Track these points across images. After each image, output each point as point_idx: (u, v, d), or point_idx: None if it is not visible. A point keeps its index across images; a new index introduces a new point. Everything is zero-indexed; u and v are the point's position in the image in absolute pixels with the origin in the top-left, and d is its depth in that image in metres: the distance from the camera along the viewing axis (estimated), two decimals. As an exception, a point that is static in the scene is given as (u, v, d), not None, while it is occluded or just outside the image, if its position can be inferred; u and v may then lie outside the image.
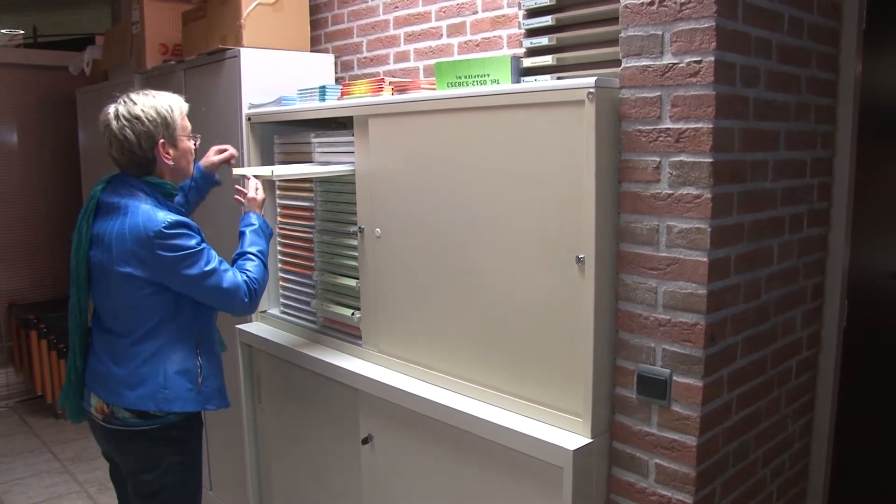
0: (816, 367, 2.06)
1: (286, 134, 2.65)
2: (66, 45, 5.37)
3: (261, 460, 2.81)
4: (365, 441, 2.20)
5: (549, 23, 1.90)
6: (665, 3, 1.53)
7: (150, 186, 1.95)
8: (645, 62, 1.58)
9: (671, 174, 1.56)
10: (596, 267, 1.61)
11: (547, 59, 1.89)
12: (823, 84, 1.90)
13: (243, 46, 2.74)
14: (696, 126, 1.51)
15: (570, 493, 1.63)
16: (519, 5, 2.25)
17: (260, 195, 2.22)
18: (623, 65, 1.62)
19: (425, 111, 1.95)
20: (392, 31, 2.79)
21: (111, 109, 1.93)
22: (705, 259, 1.53)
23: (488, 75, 1.90)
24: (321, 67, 3.00)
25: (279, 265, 2.70)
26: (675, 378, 1.60)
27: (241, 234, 2.12)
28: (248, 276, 1.98)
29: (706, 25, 1.47)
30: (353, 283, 2.32)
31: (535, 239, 1.71)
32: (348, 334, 2.38)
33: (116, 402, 1.94)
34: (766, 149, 1.69)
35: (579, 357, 1.66)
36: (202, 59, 2.92)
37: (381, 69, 2.87)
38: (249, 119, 2.67)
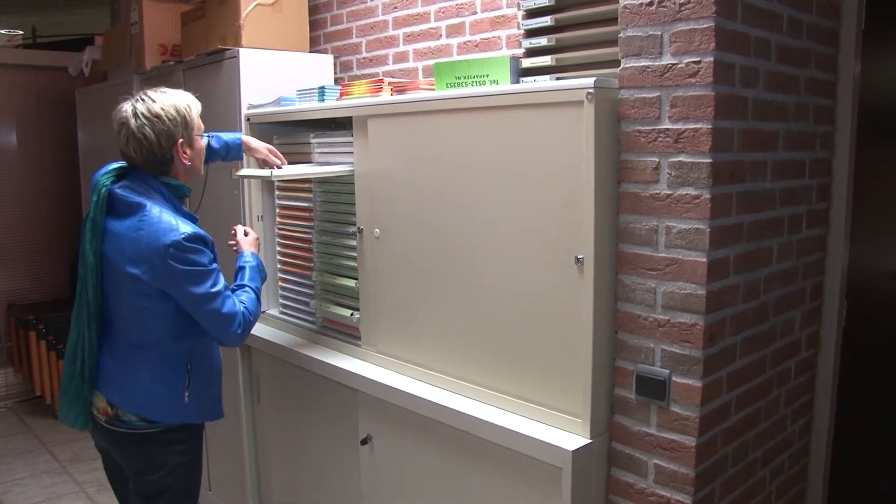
0: (816, 367, 2.06)
1: (285, 134, 2.64)
2: (66, 45, 5.37)
3: (260, 461, 2.81)
4: (364, 441, 2.20)
5: (549, 23, 1.90)
6: (664, 4, 1.53)
7: (168, 188, 1.93)
8: (644, 62, 1.58)
9: (670, 174, 1.56)
10: (595, 267, 1.61)
11: (546, 60, 1.89)
12: (822, 84, 1.90)
13: (242, 47, 2.74)
14: (695, 126, 1.51)
15: (569, 493, 1.63)
16: (518, 6, 2.25)
17: (250, 236, 2.21)
18: (622, 65, 1.62)
19: (424, 112, 1.95)
20: (391, 32, 2.79)
21: (128, 107, 1.88)
22: (704, 259, 1.53)
23: (487, 76, 1.90)
24: (320, 68, 3.00)
25: (278, 266, 2.70)
26: (674, 378, 1.60)
27: (241, 268, 2.09)
28: (245, 308, 1.95)
29: (705, 26, 1.47)
30: (352, 283, 2.32)
31: (534, 239, 1.71)
32: (347, 335, 2.38)
33: (115, 400, 1.93)
34: (765, 149, 1.69)
35: (578, 357, 1.66)
36: (201, 59, 2.92)
37: (380, 70, 2.87)
38: (248, 119, 2.67)
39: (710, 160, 1.50)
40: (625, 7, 1.60)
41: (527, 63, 1.93)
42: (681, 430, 1.60)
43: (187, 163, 1.94)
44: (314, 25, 3.13)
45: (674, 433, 1.62)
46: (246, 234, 2.23)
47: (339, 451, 2.36)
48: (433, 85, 2.07)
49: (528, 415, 1.78)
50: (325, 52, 3.11)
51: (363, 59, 2.95)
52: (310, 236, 2.51)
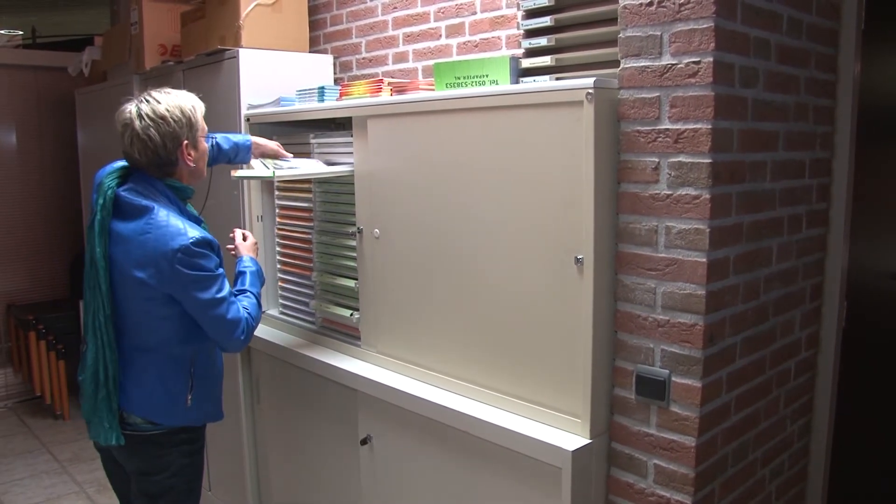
0: (815, 367, 2.06)
1: (285, 135, 2.64)
2: (65, 45, 5.37)
3: (260, 461, 2.81)
4: (364, 442, 2.20)
5: (548, 23, 1.90)
6: (664, 4, 1.53)
7: (173, 191, 1.92)
8: (644, 63, 1.58)
9: (670, 175, 1.56)
10: (595, 267, 1.60)
11: (546, 60, 1.89)
12: (822, 85, 1.90)
13: (242, 47, 2.74)
14: (694, 126, 1.51)
15: (568, 493, 1.63)
16: (518, 6, 2.25)
17: (249, 241, 2.21)
18: (622, 65, 1.62)
19: (424, 112, 1.95)
20: (391, 32, 2.79)
21: (132, 108, 1.85)
22: (704, 260, 1.53)
23: (487, 76, 1.90)
24: (320, 68, 3.00)
25: (278, 266, 2.70)
26: (673, 379, 1.60)
27: (241, 273, 2.09)
28: (248, 314, 1.95)
29: (705, 26, 1.47)
30: (351, 283, 2.32)
31: (534, 239, 1.71)
32: (347, 335, 2.38)
33: (121, 401, 1.92)
34: (764, 149, 1.69)
35: (578, 358, 1.66)
36: (201, 59, 2.92)
37: (379, 70, 2.87)
38: (248, 120, 2.67)
39: (709, 160, 1.50)
40: (624, 7, 1.60)
41: (526, 63, 1.93)
42: (681, 431, 1.60)
43: (192, 164, 1.93)
44: (314, 25, 3.13)
45: (674, 433, 1.62)
46: (245, 237, 2.23)
47: (338, 451, 2.36)
48: (433, 85, 2.07)
49: (527, 415, 1.78)
50: (324, 52, 3.11)
51: (363, 59, 2.95)
52: (309, 236, 2.51)
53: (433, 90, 2.05)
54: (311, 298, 2.53)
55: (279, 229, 2.68)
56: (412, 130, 2.00)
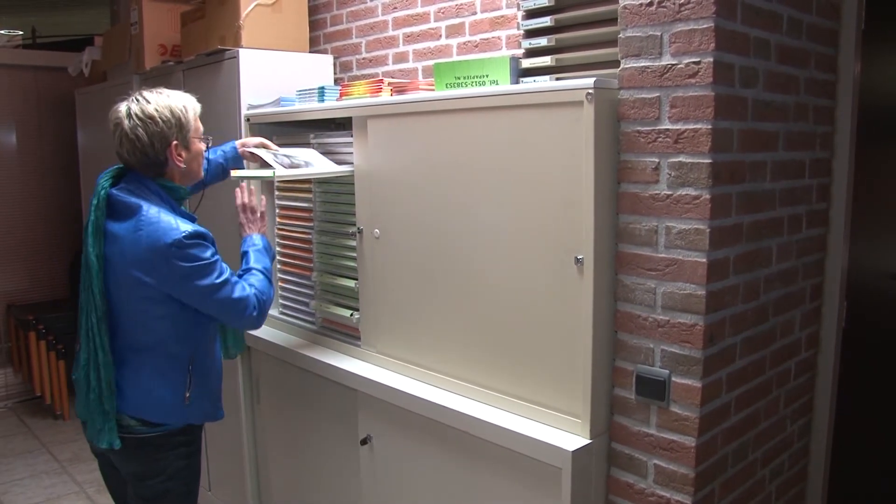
0: (815, 367, 2.06)
1: (285, 135, 2.64)
2: (65, 45, 5.37)
3: (259, 461, 2.81)
4: (364, 442, 2.20)
5: (548, 24, 1.90)
6: (664, 4, 1.53)
7: (165, 190, 1.92)
8: (644, 63, 1.58)
9: (670, 175, 1.56)
10: (595, 268, 1.60)
11: (546, 60, 1.89)
12: (822, 85, 1.90)
13: (242, 47, 2.74)
14: (694, 127, 1.51)
15: (568, 493, 1.63)
16: (518, 6, 2.25)
17: (256, 214, 2.17)
18: (622, 66, 1.62)
19: (424, 112, 1.95)
20: (391, 32, 2.79)
21: (123, 107, 1.87)
22: (704, 260, 1.53)
23: (487, 76, 1.90)
24: (320, 68, 3.00)
25: (278, 266, 2.70)
26: (673, 379, 1.60)
27: (245, 253, 2.08)
28: (256, 290, 1.95)
29: (705, 26, 1.47)
30: (352, 283, 2.32)
31: (534, 239, 1.71)
32: (347, 335, 2.38)
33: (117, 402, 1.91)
34: (764, 149, 1.69)
35: (578, 358, 1.66)
36: (201, 59, 2.92)
37: (379, 70, 2.87)
38: (248, 120, 2.67)
39: (709, 160, 1.50)
40: (624, 7, 1.60)
41: (526, 63, 1.93)
42: (681, 431, 1.60)
43: (182, 165, 1.92)
44: (314, 26, 3.13)
45: (673, 433, 1.62)
46: (253, 211, 2.18)
47: (338, 451, 2.36)
48: (433, 85, 2.07)
49: (527, 415, 1.78)
50: (324, 52, 3.11)
51: (363, 59, 2.95)
52: (310, 237, 2.51)
53: (433, 90, 2.05)
54: (311, 298, 2.53)
55: (279, 229, 2.68)
56: (412, 130, 2.00)
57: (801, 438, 2.05)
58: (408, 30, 2.72)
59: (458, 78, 1.95)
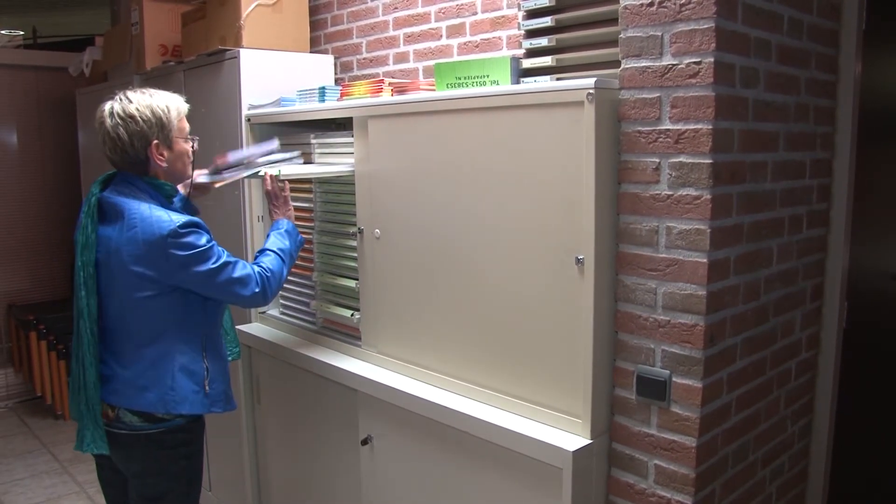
0: (816, 368, 2.06)
1: (286, 135, 2.64)
2: (66, 46, 5.38)
3: (260, 461, 2.81)
4: (364, 442, 2.20)
5: (549, 24, 1.90)
6: (665, 4, 1.53)
7: (153, 188, 1.94)
8: (644, 63, 1.58)
9: (671, 175, 1.56)
10: (595, 268, 1.60)
11: (546, 60, 1.89)
12: (823, 85, 1.90)
13: (243, 47, 2.74)
14: (695, 127, 1.51)
15: (569, 494, 1.63)
16: (518, 6, 2.25)
17: (281, 200, 2.20)
18: (622, 66, 1.62)
19: (425, 112, 1.95)
20: (391, 32, 2.80)
21: (107, 107, 1.90)
22: (705, 260, 1.53)
23: (488, 76, 1.90)
24: (321, 68, 3.00)
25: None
26: (674, 379, 1.60)
27: (267, 236, 2.14)
28: (262, 268, 1.99)
29: (706, 26, 1.47)
30: (352, 283, 2.32)
31: (535, 240, 1.71)
32: (348, 335, 2.38)
33: (124, 403, 1.92)
34: (765, 150, 1.69)
35: (579, 358, 1.66)
36: (202, 59, 2.92)
37: (380, 70, 2.87)
38: (249, 120, 2.67)
39: (710, 161, 1.50)
40: (625, 8, 1.60)
41: (527, 63, 1.93)
42: (681, 431, 1.60)
43: (163, 164, 1.94)
44: (314, 26, 3.13)
45: (674, 434, 1.62)
46: (276, 197, 2.19)
47: (339, 451, 2.36)
48: (433, 85, 2.07)
49: (528, 415, 1.78)
50: (325, 52, 3.11)
51: (364, 59, 2.95)
52: (310, 237, 2.51)
53: (434, 90, 2.05)
54: (312, 298, 2.53)
55: (280, 229, 2.68)
56: (413, 131, 2.00)
57: (801, 439, 2.04)
58: (408, 30, 2.72)
59: (459, 78, 1.95)
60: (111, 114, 1.89)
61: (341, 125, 2.49)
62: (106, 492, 2.15)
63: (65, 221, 5.00)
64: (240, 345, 2.41)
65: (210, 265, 1.88)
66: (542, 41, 1.91)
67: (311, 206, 2.50)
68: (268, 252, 2.07)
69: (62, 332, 4.44)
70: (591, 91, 1.55)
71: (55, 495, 3.56)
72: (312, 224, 2.50)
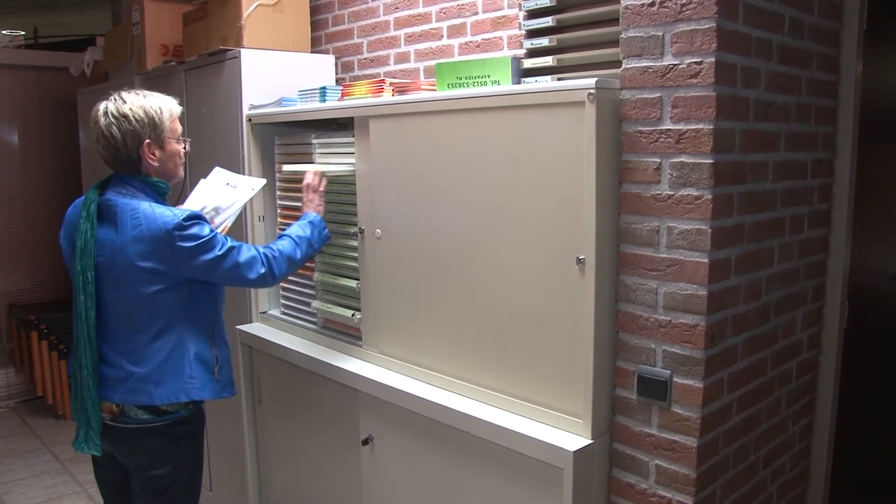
0: (817, 368, 2.06)
1: (287, 135, 2.65)
2: (67, 46, 5.37)
3: (261, 461, 2.81)
4: (365, 442, 2.20)
5: (550, 24, 1.90)
6: (666, 4, 1.53)
7: (148, 186, 1.98)
8: (645, 63, 1.58)
9: (672, 175, 1.56)
10: (596, 268, 1.60)
11: (547, 60, 1.89)
12: (824, 85, 1.90)
13: (244, 47, 2.74)
14: (696, 127, 1.51)
15: (570, 494, 1.63)
16: (519, 6, 2.25)
17: (311, 193, 2.29)
18: (623, 66, 1.62)
19: (426, 112, 1.95)
20: (392, 32, 2.80)
21: (101, 106, 1.95)
22: (706, 260, 1.53)
23: (489, 76, 1.90)
24: (322, 68, 3.00)
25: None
26: (675, 379, 1.60)
27: (291, 225, 2.21)
28: (269, 249, 2.06)
29: (707, 26, 1.47)
30: (353, 283, 2.32)
31: (536, 240, 1.71)
32: (349, 335, 2.38)
33: (143, 401, 1.94)
34: (766, 150, 1.69)
35: (579, 358, 1.66)
36: (203, 59, 2.92)
37: (381, 70, 2.87)
38: (250, 120, 2.67)
39: (711, 161, 1.50)
40: (626, 8, 1.60)
41: (528, 64, 1.93)
42: (682, 431, 1.60)
43: (155, 164, 1.98)
44: (315, 26, 3.13)
45: (675, 434, 1.62)
46: (314, 190, 2.30)
47: (340, 451, 2.36)
48: (434, 85, 2.07)
49: (529, 415, 1.78)
50: (326, 52, 3.11)
51: (364, 59, 2.95)
52: (311, 237, 2.51)
53: (435, 90, 2.05)
54: (313, 298, 2.53)
55: (281, 229, 2.68)
56: (414, 131, 2.00)
57: (802, 439, 2.04)
58: (409, 30, 2.72)
59: (460, 78, 1.95)
60: (105, 113, 1.93)
61: (342, 125, 2.49)
62: (104, 491, 2.16)
63: (66, 221, 5.00)
64: None
65: (216, 252, 1.93)
66: (543, 41, 1.91)
67: (312, 206, 2.50)
68: (284, 236, 2.14)
69: (63, 332, 4.44)
70: (592, 91, 1.55)
71: (56, 495, 3.56)
72: (313, 224, 2.50)
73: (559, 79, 1.88)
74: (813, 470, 2.11)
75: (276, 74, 2.80)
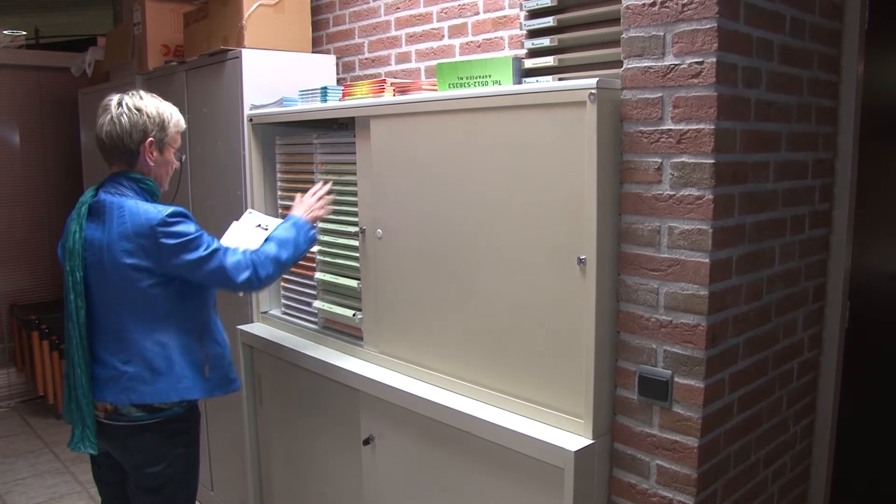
0: (818, 368, 2.06)
1: (288, 135, 2.65)
2: (68, 46, 5.37)
3: (262, 461, 2.81)
4: (366, 442, 2.20)
5: (551, 24, 1.90)
6: (667, 4, 1.53)
7: (137, 183, 1.99)
8: (646, 63, 1.58)
9: (672, 175, 1.56)
10: (597, 268, 1.60)
11: (548, 60, 1.89)
12: (825, 85, 1.90)
13: (245, 47, 2.74)
14: (697, 127, 1.51)
15: (570, 494, 1.63)
16: (520, 6, 2.25)
17: (308, 201, 2.26)
18: (624, 66, 1.62)
19: (427, 112, 1.95)
20: (394, 32, 2.80)
21: (116, 97, 1.99)
22: (707, 260, 1.53)
23: (490, 76, 1.90)
24: (323, 68, 3.00)
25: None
26: (676, 379, 1.60)
27: (279, 225, 2.19)
28: (255, 253, 2.03)
29: (708, 26, 1.47)
30: (354, 283, 2.32)
31: (536, 240, 1.71)
32: (349, 335, 2.38)
33: (135, 399, 1.95)
34: (767, 150, 1.69)
35: (580, 358, 1.66)
36: (204, 59, 2.92)
37: (382, 70, 2.87)
38: (251, 120, 2.67)
39: (712, 161, 1.50)
40: (627, 7, 1.60)
41: (529, 64, 1.93)
42: (683, 431, 1.60)
43: (151, 163, 2.01)
44: (316, 26, 3.13)
45: (676, 434, 1.62)
46: (311, 193, 2.30)
47: (340, 451, 2.36)
48: (435, 85, 2.07)
49: (530, 415, 1.78)
50: (327, 52, 3.11)
51: (365, 59, 2.95)
52: (312, 237, 2.51)
53: (436, 90, 2.05)
54: (314, 298, 2.53)
55: (281, 229, 2.68)
56: (415, 131, 2.00)
57: (803, 439, 2.04)
58: (410, 30, 2.72)
59: (461, 78, 1.95)
60: (119, 103, 1.97)
61: (343, 125, 2.50)
62: (102, 490, 2.18)
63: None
64: None
65: (201, 252, 1.93)
66: (544, 41, 1.91)
67: (313, 206, 2.50)
68: (269, 240, 2.12)
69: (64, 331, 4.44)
70: (593, 91, 1.55)
71: (57, 495, 3.57)
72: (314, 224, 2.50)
73: (560, 79, 1.88)
74: (814, 470, 2.10)
75: (277, 74, 2.80)
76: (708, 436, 1.61)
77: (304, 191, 2.55)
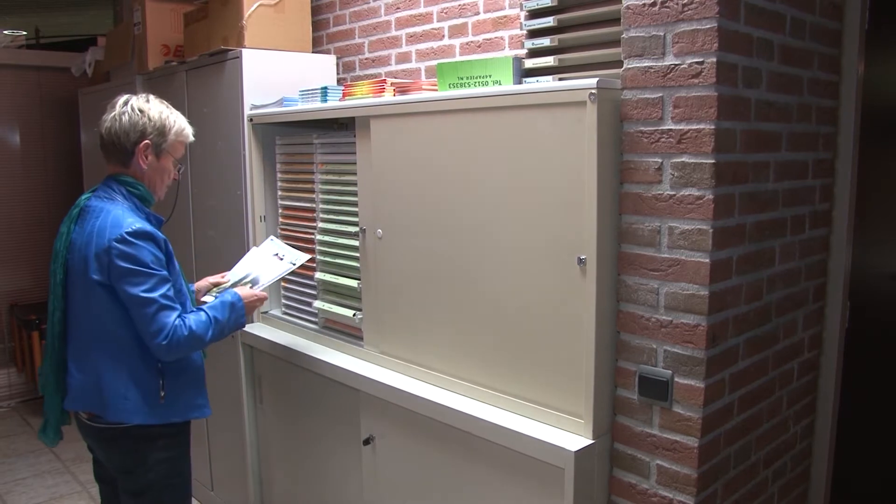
0: (818, 368, 2.06)
1: (288, 135, 2.65)
2: (68, 46, 5.37)
3: (262, 461, 2.81)
4: (366, 442, 2.20)
5: (551, 24, 1.90)
6: (667, 4, 1.53)
7: (128, 188, 1.95)
8: (647, 63, 1.58)
9: (673, 175, 1.56)
10: (597, 268, 1.60)
11: (549, 60, 1.89)
12: (825, 85, 1.90)
13: (245, 47, 2.74)
14: (697, 127, 1.51)
15: (571, 494, 1.63)
16: (521, 6, 2.25)
17: (249, 290, 2.17)
18: (625, 66, 1.62)
19: (427, 112, 1.95)
20: (394, 32, 2.80)
21: (125, 97, 2.00)
22: (707, 260, 1.53)
23: (490, 76, 1.90)
24: (323, 68, 3.00)
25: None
26: (676, 379, 1.60)
27: (215, 297, 2.09)
28: (182, 323, 1.87)
29: (708, 26, 1.47)
30: (354, 283, 2.32)
31: (537, 239, 1.71)
32: (349, 335, 2.38)
33: (81, 409, 1.95)
34: (767, 150, 1.69)
35: (580, 358, 1.66)
36: (204, 59, 2.92)
37: (382, 70, 2.87)
38: (251, 120, 2.67)
39: (712, 161, 1.50)
40: (627, 8, 1.60)
41: (529, 64, 1.93)
42: (683, 431, 1.60)
43: (144, 166, 1.97)
44: (317, 26, 3.13)
45: (676, 434, 1.62)
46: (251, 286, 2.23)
47: (341, 451, 2.36)
48: (436, 85, 2.07)
49: (530, 415, 1.78)
50: (327, 52, 3.11)
51: (366, 59, 2.95)
52: (312, 236, 2.51)
53: (436, 90, 2.05)
54: (314, 298, 2.53)
55: (282, 229, 2.69)
56: (415, 131, 2.00)
57: (803, 439, 2.04)
58: (411, 30, 2.72)
59: (461, 78, 1.95)
60: (125, 102, 1.98)
61: (343, 125, 2.50)
62: (100, 488, 2.18)
63: (67, 221, 5.00)
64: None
65: (137, 291, 1.81)
66: (545, 41, 1.91)
67: (314, 205, 2.51)
68: (203, 312, 1.96)
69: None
70: (593, 91, 1.55)
71: (57, 495, 3.56)
72: (314, 224, 2.51)
73: (560, 79, 1.88)
74: (814, 470, 2.10)
75: (277, 74, 2.80)
76: (708, 436, 1.61)
77: (304, 190, 2.56)
